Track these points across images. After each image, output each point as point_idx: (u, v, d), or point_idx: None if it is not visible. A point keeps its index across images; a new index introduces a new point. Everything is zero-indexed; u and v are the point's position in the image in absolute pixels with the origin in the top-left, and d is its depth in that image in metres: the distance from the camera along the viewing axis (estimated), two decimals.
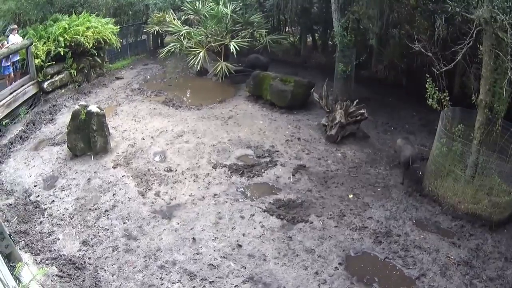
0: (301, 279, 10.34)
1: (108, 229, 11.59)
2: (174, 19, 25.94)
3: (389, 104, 21.08)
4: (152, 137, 16.77)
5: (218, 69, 22.33)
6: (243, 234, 11.68)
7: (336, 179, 14.68)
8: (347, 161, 16.00)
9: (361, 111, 17.43)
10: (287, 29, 32.99)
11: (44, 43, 20.69)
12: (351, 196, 13.79)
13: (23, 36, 20.18)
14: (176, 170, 14.59)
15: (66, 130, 15.55)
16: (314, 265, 10.79)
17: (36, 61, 20.00)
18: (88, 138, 15.18)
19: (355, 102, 17.92)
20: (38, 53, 20.07)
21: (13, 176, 14.40)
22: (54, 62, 20.85)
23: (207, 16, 24.57)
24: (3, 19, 22.98)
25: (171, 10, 27.80)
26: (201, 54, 22.40)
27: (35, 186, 13.76)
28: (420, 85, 14.46)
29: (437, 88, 13.66)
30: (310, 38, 31.94)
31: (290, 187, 14.02)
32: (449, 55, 13.77)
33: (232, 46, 22.37)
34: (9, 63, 18.84)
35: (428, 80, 13.70)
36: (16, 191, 13.53)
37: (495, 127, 13.08)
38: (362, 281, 10.46)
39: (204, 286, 9.91)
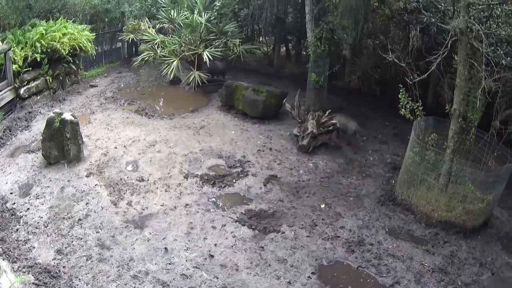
0: None
1: (81, 238, 11.68)
2: (149, 27, 25.84)
3: (362, 114, 21.37)
4: (124, 146, 16.86)
5: (191, 79, 22.46)
6: (215, 244, 11.86)
7: (307, 189, 14.96)
8: (319, 171, 16.29)
9: (333, 121, 17.68)
10: (260, 38, 33.18)
11: (22, 48, 20.57)
12: (323, 206, 14.05)
13: (2, 41, 20.08)
14: (148, 180, 14.71)
15: (41, 137, 15.47)
16: (287, 274, 11.02)
17: (14, 66, 19.83)
18: (62, 146, 15.19)
19: (327, 112, 18.17)
20: (15, 58, 19.94)
21: None
22: (30, 68, 20.71)
23: (182, 25, 24.56)
24: None
25: (146, 18, 27.65)
26: (174, 63, 22.47)
27: (11, 193, 13.73)
28: (393, 95, 14.76)
29: (410, 98, 13.99)
30: (284, 48, 32.14)
31: (262, 197, 14.25)
32: (424, 65, 14.09)
33: (206, 55, 22.41)
34: None
35: (401, 90, 14.00)
36: None
37: (469, 136, 13.48)
38: None
39: None
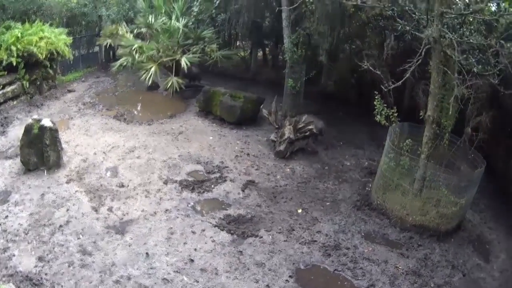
0: None
1: (63, 245, 11.73)
2: (126, 32, 25.91)
3: (338, 119, 21.66)
4: (104, 152, 16.94)
5: (169, 84, 22.56)
6: (195, 249, 12.04)
7: (285, 194, 15.19)
8: (296, 176, 16.53)
9: (310, 127, 17.95)
10: (237, 43, 33.16)
11: None
12: (300, 210, 14.28)
13: None
14: (128, 186, 14.83)
15: (19, 144, 15.38)
16: (265, 278, 11.24)
17: None
18: (41, 152, 15.16)
19: (304, 117, 18.45)
20: None
21: None
22: (6, 72, 20.49)
23: (159, 30, 24.53)
24: None
25: (124, 23, 27.67)
26: (152, 69, 22.45)
27: None
28: (369, 100, 15.09)
29: (385, 104, 14.30)
30: (261, 52, 32.31)
31: (240, 202, 14.46)
32: (399, 72, 14.23)
33: (184, 61, 22.48)
34: None
35: (376, 97, 14.33)
36: None
37: (443, 142, 13.79)
38: None
39: None
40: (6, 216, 12.82)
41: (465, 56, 12.94)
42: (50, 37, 22.38)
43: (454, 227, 13.71)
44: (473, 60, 13.01)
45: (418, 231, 13.39)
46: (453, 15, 13.12)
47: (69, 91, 24.35)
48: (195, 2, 25.50)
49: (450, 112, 13.37)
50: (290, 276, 11.38)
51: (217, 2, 23.98)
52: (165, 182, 15.18)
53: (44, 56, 21.73)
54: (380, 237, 13.24)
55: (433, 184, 13.66)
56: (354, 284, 11.40)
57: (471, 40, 12.96)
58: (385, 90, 13.86)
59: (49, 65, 22.95)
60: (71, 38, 24.51)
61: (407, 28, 14.09)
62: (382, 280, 11.54)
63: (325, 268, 11.88)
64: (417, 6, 14.11)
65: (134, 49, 24.00)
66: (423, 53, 12.78)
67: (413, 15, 13.72)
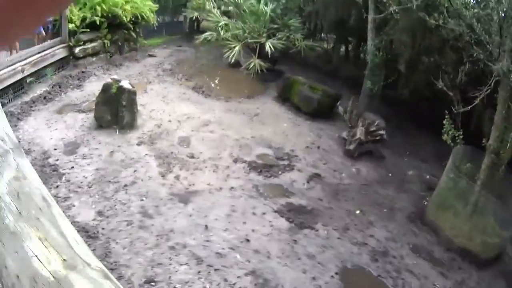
0: (299, 281, 10.61)
1: (125, 204, 11.82)
2: (213, 7, 26.12)
3: (408, 128, 21.39)
4: (178, 121, 17.08)
5: (251, 65, 22.55)
6: (253, 230, 11.94)
7: (347, 193, 15.00)
8: (360, 177, 16.33)
9: (381, 132, 17.79)
10: (322, 35, 33.32)
11: (80, 8, 20.71)
12: (358, 212, 14.08)
13: None
14: (198, 158, 14.86)
15: (96, 100, 15.67)
16: (313, 270, 11.06)
17: (70, 25, 20.08)
18: (116, 111, 15.32)
19: (378, 121, 18.24)
20: (72, 17, 20.12)
21: (32, 136, 14.48)
22: (88, 30, 20.96)
23: (247, 11, 24.74)
24: None
25: None
26: (236, 48, 22.66)
27: (55, 149, 13.87)
28: (441, 115, 14.73)
29: (453, 125, 14.13)
30: (343, 48, 32.26)
31: (303, 193, 14.30)
32: (470, 96, 14.16)
33: (268, 46, 22.56)
34: None
35: (446, 117, 14.16)
36: (34, 151, 13.62)
37: (499, 172, 13.42)
38: None
39: (209, 272, 10.17)
40: (72, 167, 12.98)
41: None
42: (136, 2, 22.95)
43: (494, 258, 13.39)
44: None
45: (461, 254, 13.10)
46: None
47: (150, 55, 24.86)
48: None
49: (508, 146, 13.01)
50: (336, 273, 11.18)
51: None
52: (235, 161, 15.17)
53: (128, 19, 22.34)
54: (426, 253, 12.96)
55: (484, 211, 13.38)
56: None
57: None
58: (455, 111, 13.89)
59: (132, 28, 23.54)
60: (156, 5, 25.06)
61: (481, 56, 13.72)
62: None
63: (369, 272, 11.65)
64: (492, 36, 13.75)
65: (220, 26, 24.23)
66: (492, 84, 12.62)
67: (487, 46, 13.35)
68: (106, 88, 15.32)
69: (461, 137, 14.05)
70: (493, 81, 12.58)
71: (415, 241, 13.27)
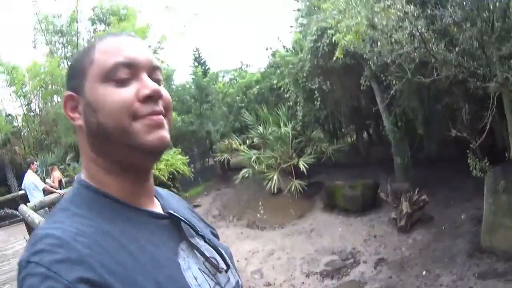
0: None
1: None
2: (240, 144, 28.20)
3: (445, 178, 22.59)
4: (245, 258, 18.66)
5: (293, 188, 24.43)
6: None
7: (410, 262, 16.50)
8: (417, 244, 17.79)
9: (423, 197, 19.32)
10: (342, 130, 35.28)
11: None
12: (424, 272, 15.51)
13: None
14: (274, 284, 16.37)
15: None
16: None
17: None
18: None
19: (416, 191, 19.74)
20: None
21: None
22: None
23: (271, 138, 26.69)
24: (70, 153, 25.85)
25: (233, 135, 30.08)
26: (274, 177, 24.59)
27: None
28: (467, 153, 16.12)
29: (477, 159, 15.45)
30: (365, 133, 34.14)
31: (374, 278, 15.88)
32: (481, 121, 15.47)
33: (302, 165, 24.56)
34: None
35: (469, 155, 15.62)
36: None
37: None
38: None
39: None
40: None
41: None
42: (168, 159, 24.42)
43: None
44: None
45: None
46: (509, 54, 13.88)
47: (195, 206, 25.93)
48: (297, 107, 27.05)
49: None
50: None
51: (318, 103, 25.37)
52: (307, 276, 16.68)
53: (166, 177, 23.65)
54: (491, 273, 14.23)
55: None
56: None
57: None
58: (473, 147, 15.28)
59: (172, 185, 24.55)
60: (187, 157, 26.50)
61: (478, 83, 14.85)
62: None
63: None
64: (479, 60, 14.97)
65: (253, 160, 26.14)
66: (495, 102, 13.95)
67: (479, 71, 14.65)
68: None
69: (487, 164, 15.36)
70: (495, 97, 13.93)
71: (478, 270, 14.60)
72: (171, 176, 24.48)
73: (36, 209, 13.81)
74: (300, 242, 19.73)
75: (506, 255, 14.60)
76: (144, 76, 1.64)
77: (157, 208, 1.81)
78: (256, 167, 25.87)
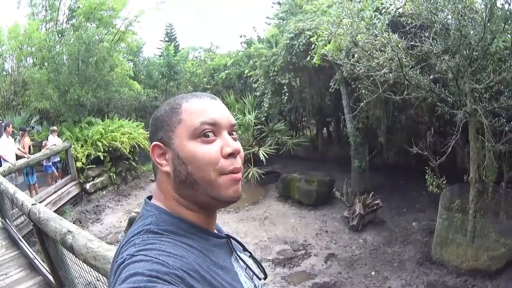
0: None
1: None
2: None
3: (400, 187, 23.33)
4: None
5: (250, 175, 24.73)
6: None
7: (360, 261, 16.82)
8: (368, 245, 18.16)
9: (377, 201, 19.78)
10: (303, 123, 36.05)
11: (82, 145, 22.55)
12: (373, 273, 15.86)
13: (58, 135, 21.89)
14: None
15: (123, 232, 17.20)
16: None
17: (78, 163, 21.72)
18: None
19: (370, 195, 20.23)
20: (78, 155, 21.90)
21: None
22: (94, 166, 22.71)
23: None
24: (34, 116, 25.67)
25: None
26: None
27: None
28: (428, 165, 16.46)
29: (435, 176, 16.02)
30: (325, 130, 34.70)
31: (324, 272, 16.13)
32: (445, 140, 16.09)
33: (261, 154, 24.91)
34: (50, 163, 20.35)
35: (427, 172, 16.14)
36: None
37: (487, 196, 15.36)
38: None
39: None
40: None
41: (496, 119, 14.42)
42: (131, 132, 24.83)
43: (504, 265, 14.78)
44: (504, 120, 14.47)
45: (471, 274, 14.64)
46: (481, 87, 14.51)
47: (152, 180, 25.77)
48: (264, 98, 27.24)
49: (491, 170, 15.01)
50: None
51: (285, 98, 25.71)
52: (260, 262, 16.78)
53: (128, 150, 24.05)
54: (440, 285, 14.62)
55: (483, 232, 15.22)
56: None
57: (501, 104, 14.23)
58: (432, 165, 15.83)
59: (132, 158, 25.29)
60: (148, 131, 26.33)
61: (446, 109, 15.59)
62: None
63: None
64: (450, 89, 15.61)
65: None
66: (460, 128, 14.77)
67: (449, 99, 15.20)
68: (131, 221, 16.70)
69: (444, 182, 15.97)
70: (461, 124, 14.70)
71: (428, 279, 14.99)
72: (132, 150, 24.77)
73: (4, 174, 13.93)
74: (253, 228, 19.95)
75: (457, 270, 15.05)
76: (225, 135, 1.98)
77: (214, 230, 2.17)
78: None
